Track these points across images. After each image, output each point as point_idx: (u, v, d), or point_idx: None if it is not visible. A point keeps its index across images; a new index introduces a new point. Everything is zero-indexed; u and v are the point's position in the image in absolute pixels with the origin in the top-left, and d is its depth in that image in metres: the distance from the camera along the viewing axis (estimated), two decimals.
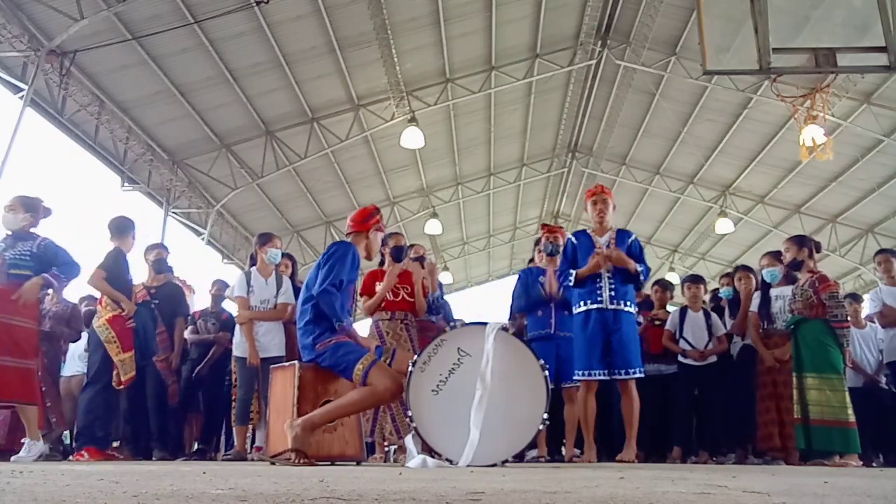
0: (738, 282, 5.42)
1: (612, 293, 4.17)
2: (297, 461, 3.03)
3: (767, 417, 4.72)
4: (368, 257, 3.68)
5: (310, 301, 3.31)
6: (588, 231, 4.47)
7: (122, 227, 4.91)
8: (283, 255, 5.27)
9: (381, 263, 4.84)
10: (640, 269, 4.22)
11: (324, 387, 3.36)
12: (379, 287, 4.69)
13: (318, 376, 3.33)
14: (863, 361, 5.66)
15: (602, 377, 4.18)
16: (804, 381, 4.34)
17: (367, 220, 3.57)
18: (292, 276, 5.33)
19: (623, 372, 4.13)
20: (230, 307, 6.00)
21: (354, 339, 3.27)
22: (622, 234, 4.38)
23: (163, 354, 5.23)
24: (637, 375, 4.16)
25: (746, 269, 5.47)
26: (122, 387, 4.70)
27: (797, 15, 3.83)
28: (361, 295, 4.72)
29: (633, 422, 4.17)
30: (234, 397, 4.95)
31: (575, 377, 4.30)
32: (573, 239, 4.46)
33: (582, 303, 4.28)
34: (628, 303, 4.21)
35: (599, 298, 4.18)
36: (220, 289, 6.04)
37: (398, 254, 4.76)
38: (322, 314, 3.25)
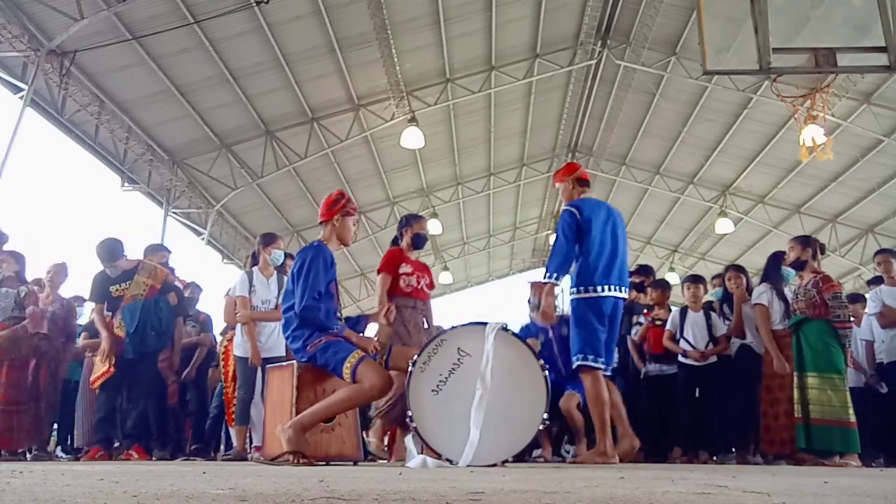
0: (728, 282, 5.39)
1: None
2: (295, 462, 3.03)
3: (775, 422, 4.68)
4: (345, 244, 3.53)
5: (293, 309, 3.27)
6: None
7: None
8: (285, 255, 5.28)
9: (395, 242, 4.68)
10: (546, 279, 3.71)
11: (322, 386, 3.36)
12: (403, 268, 4.44)
13: (316, 376, 3.33)
14: (859, 358, 5.64)
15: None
16: (805, 380, 4.34)
17: (331, 208, 3.47)
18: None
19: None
20: (205, 308, 6.29)
21: (349, 339, 3.25)
22: None
23: (163, 354, 5.24)
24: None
25: (737, 268, 5.43)
26: (93, 385, 4.86)
27: (797, 15, 3.83)
28: (380, 272, 4.47)
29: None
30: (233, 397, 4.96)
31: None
32: None
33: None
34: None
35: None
36: (193, 291, 6.19)
37: (420, 242, 4.65)
38: (309, 318, 3.24)
